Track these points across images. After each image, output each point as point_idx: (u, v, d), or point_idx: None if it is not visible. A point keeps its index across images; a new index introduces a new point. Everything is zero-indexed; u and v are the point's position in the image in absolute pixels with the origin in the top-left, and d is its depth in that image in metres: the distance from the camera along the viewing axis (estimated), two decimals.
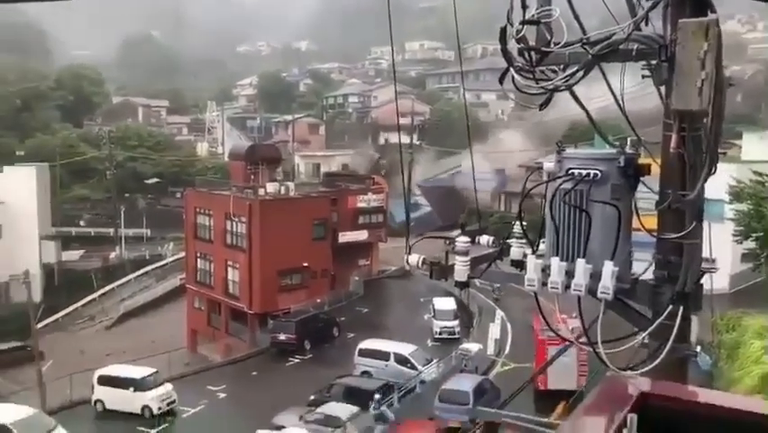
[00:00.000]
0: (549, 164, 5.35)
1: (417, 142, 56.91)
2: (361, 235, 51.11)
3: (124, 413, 30.74)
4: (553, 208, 5.12)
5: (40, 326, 42.25)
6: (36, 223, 54.57)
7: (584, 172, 5.04)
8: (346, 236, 49.98)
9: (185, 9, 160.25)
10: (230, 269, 44.92)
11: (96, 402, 31.81)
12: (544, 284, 5.15)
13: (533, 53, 5.11)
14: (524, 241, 5.67)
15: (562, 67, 5.15)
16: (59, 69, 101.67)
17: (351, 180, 58.23)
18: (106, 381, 31.87)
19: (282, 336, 38.87)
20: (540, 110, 5.46)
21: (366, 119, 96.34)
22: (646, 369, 4.71)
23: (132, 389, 31.00)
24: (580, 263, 4.95)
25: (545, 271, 5.12)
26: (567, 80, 5.03)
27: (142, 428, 29.61)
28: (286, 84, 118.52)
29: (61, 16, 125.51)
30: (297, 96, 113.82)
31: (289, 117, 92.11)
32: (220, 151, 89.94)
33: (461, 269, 5.66)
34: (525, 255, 5.51)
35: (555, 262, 5.04)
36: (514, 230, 5.67)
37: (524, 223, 5.58)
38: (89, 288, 55.14)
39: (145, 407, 30.62)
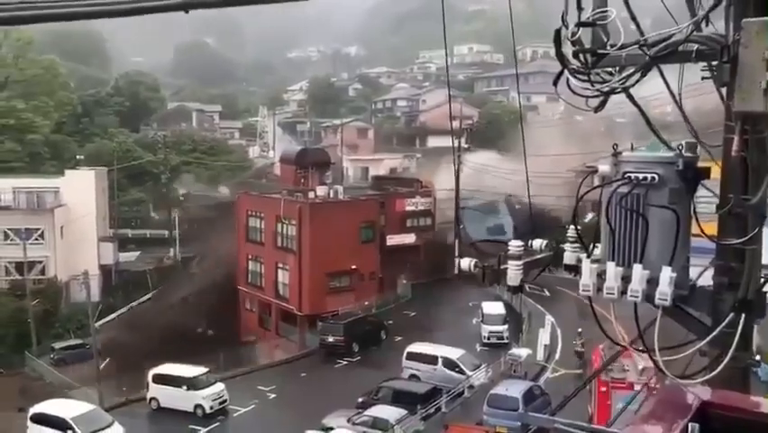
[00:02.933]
0: (604, 167, 5.28)
1: (466, 146, 56.60)
2: (409, 238, 51.14)
3: (178, 411, 31.41)
4: (609, 213, 5.04)
5: (98, 324, 43.50)
6: (95, 225, 56.25)
7: (641, 176, 4.95)
8: (394, 239, 50.08)
9: (237, 16, 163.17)
10: (280, 271, 45.50)
11: (150, 400, 32.60)
12: (599, 290, 5.08)
13: (588, 55, 5.05)
14: (578, 245, 5.59)
15: (617, 69, 5.08)
16: (116, 76, 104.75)
17: (399, 184, 58.34)
18: (161, 379, 32.64)
19: (331, 339, 39.15)
20: (595, 112, 5.38)
21: (414, 123, 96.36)
22: (706, 378, 4.59)
23: (185, 387, 31.67)
24: (637, 269, 4.86)
25: (601, 276, 5.04)
26: (623, 82, 4.96)
27: (195, 427, 30.19)
28: (335, 89, 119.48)
29: (119, 24, 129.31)
30: (346, 101, 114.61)
31: (338, 122, 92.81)
32: (271, 155, 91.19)
33: (513, 273, 5.62)
34: (579, 260, 5.44)
35: (611, 268, 4.96)
36: (568, 234, 5.61)
37: (578, 227, 5.51)
38: (145, 288, 56.55)
39: (198, 405, 31.25)
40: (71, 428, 27.40)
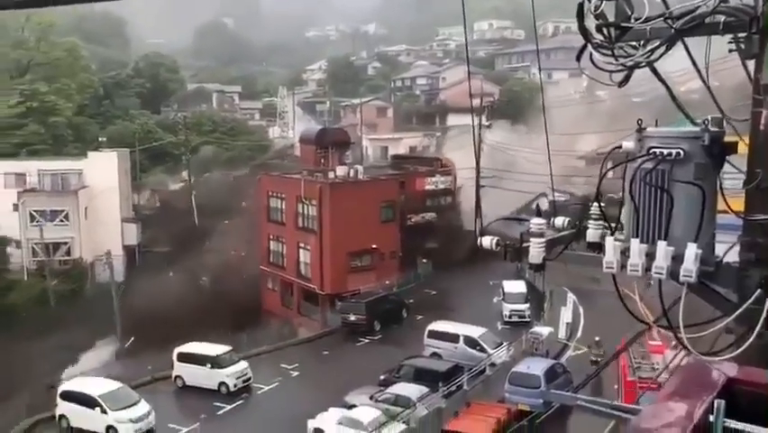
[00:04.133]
0: (628, 143, 5.22)
1: (486, 124, 56.13)
2: (430, 217, 51.10)
3: (202, 389, 31.90)
4: (633, 189, 4.99)
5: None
6: (118, 206, 56.93)
7: (666, 151, 4.89)
8: (414, 218, 50.06)
9: None
10: (301, 250, 45.76)
11: (175, 378, 33.13)
12: (623, 267, 5.05)
13: (612, 29, 4.98)
14: (601, 223, 5.55)
15: (642, 42, 4.99)
16: (136, 58, 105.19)
17: (419, 163, 58.16)
18: (185, 358, 33.12)
19: (352, 317, 39.42)
20: (619, 87, 5.31)
21: (434, 101, 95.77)
22: (732, 355, 4.56)
23: (209, 366, 32.12)
24: (662, 245, 4.82)
25: (624, 253, 5.01)
26: (648, 56, 4.88)
27: (219, 404, 30.66)
28: (354, 68, 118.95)
29: (137, 5, 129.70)
30: (365, 80, 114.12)
31: (358, 101, 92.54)
32: (291, 135, 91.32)
33: (535, 251, 5.60)
34: (602, 237, 5.40)
35: (635, 244, 4.92)
36: (591, 211, 5.56)
37: (602, 204, 5.47)
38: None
39: (222, 383, 31.69)
40: (99, 405, 27.97)
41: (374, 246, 44.38)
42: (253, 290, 49.85)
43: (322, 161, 50.18)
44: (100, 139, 68.83)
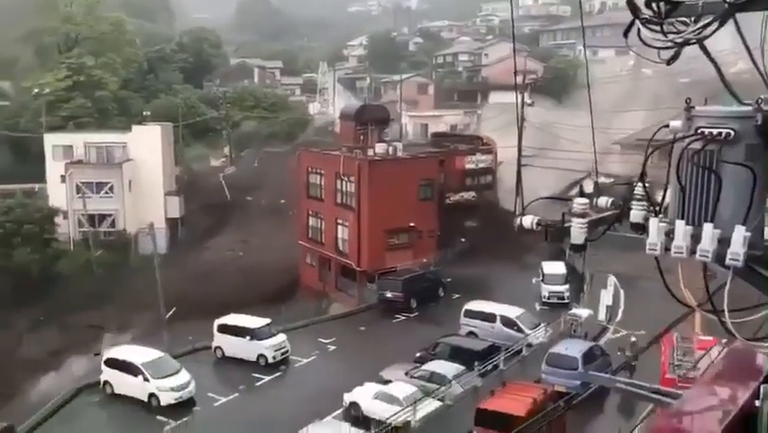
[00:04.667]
0: (676, 123, 5.08)
1: (529, 102, 55.22)
2: (469, 196, 50.79)
3: (241, 360, 32.52)
4: (680, 169, 4.87)
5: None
6: (161, 179, 57.91)
7: (716, 131, 4.75)
8: (453, 197, 49.82)
9: None
10: (340, 227, 46.01)
11: (215, 349, 33.82)
12: (667, 249, 4.94)
13: (662, 4, 4.82)
14: (645, 203, 5.44)
15: (693, 18, 4.83)
16: (180, 33, 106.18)
17: (459, 141, 57.68)
18: (225, 329, 33.77)
19: (389, 294, 39.61)
20: (668, 65, 5.16)
21: (476, 78, 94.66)
22: None
23: (248, 338, 32.70)
24: (708, 228, 4.70)
25: (669, 235, 4.90)
26: (699, 33, 4.71)
27: (257, 375, 31.23)
28: (395, 43, 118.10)
29: None
30: (406, 56, 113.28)
31: (398, 77, 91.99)
32: (330, 111, 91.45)
33: (577, 231, 5.52)
34: (646, 218, 5.29)
35: (680, 226, 4.81)
36: (635, 192, 5.44)
37: (646, 184, 5.35)
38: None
39: (260, 355, 32.26)
40: (142, 373, 28.76)
41: (412, 224, 44.35)
42: (291, 265, 50.46)
43: (361, 137, 50.14)
44: (144, 113, 69.96)
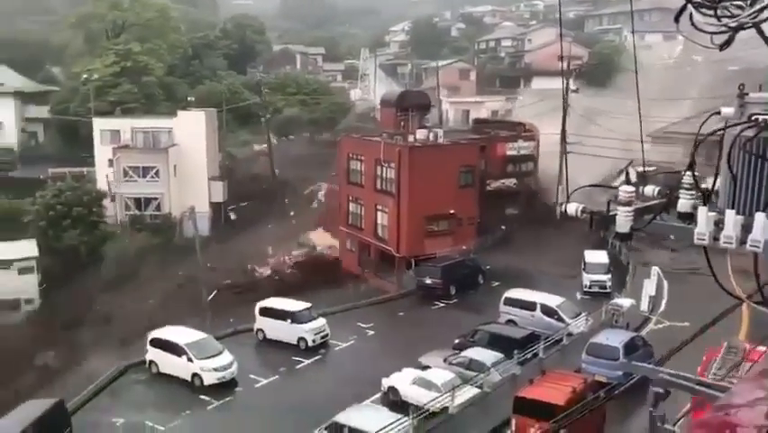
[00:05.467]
0: (728, 109, 4.96)
1: (573, 88, 54.29)
2: (510, 183, 50.37)
3: (282, 343, 33.00)
4: (731, 158, 4.76)
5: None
6: (205, 164, 58.80)
7: None
8: (494, 184, 49.44)
9: None
10: (379, 213, 46.11)
11: (257, 331, 34.39)
12: (716, 239, 4.85)
13: None
14: (694, 192, 5.33)
15: (749, 2, 4.69)
16: (224, 19, 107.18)
17: (501, 127, 57.11)
18: (267, 312, 34.29)
19: (428, 280, 39.62)
20: (720, 50, 5.03)
21: (519, 64, 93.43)
22: None
23: (289, 321, 33.14)
24: (760, 217, 4.59)
25: (718, 225, 4.80)
26: (755, 16, 4.58)
27: (297, 358, 31.66)
28: (438, 29, 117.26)
29: None
30: (448, 41, 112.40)
31: (439, 63, 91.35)
32: (371, 97, 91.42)
33: (623, 219, 5.44)
34: (695, 208, 5.19)
35: (731, 216, 4.71)
36: (683, 180, 5.34)
37: (696, 173, 5.24)
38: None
39: (301, 338, 32.69)
40: (186, 354, 29.43)
41: (452, 211, 44.19)
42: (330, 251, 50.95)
43: (402, 123, 50.06)
44: (189, 98, 70.98)
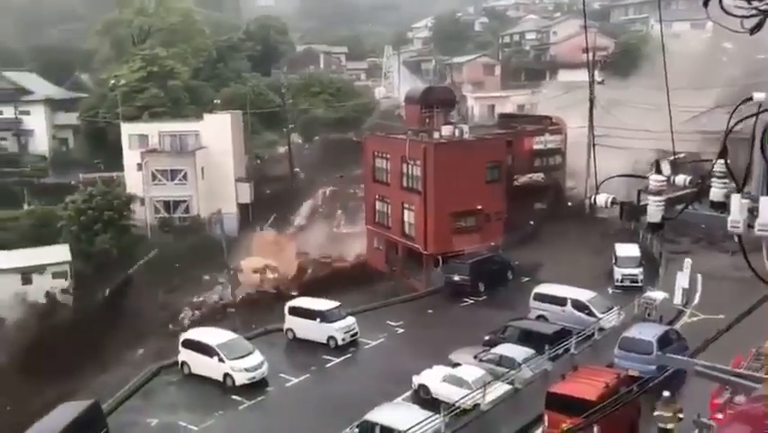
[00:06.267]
0: (761, 95, 4.82)
1: (599, 80, 53.62)
2: (538, 178, 49.97)
3: (312, 342, 33.12)
4: (765, 144, 4.63)
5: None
6: (232, 166, 59.33)
7: None
8: (521, 179, 49.08)
9: None
10: (406, 211, 46.04)
11: (287, 331, 34.55)
12: (750, 227, 4.72)
13: None
14: (726, 180, 5.20)
15: None
16: (247, 21, 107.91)
17: (527, 121, 56.67)
18: (297, 312, 34.41)
19: (456, 277, 39.45)
20: (751, 34, 4.89)
21: (544, 56, 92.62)
22: None
23: (318, 320, 33.25)
24: None
25: (753, 213, 4.68)
26: None
27: (328, 357, 31.75)
28: (461, 24, 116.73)
29: None
30: (472, 36, 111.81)
31: (464, 59, 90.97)
32: (396, 95, 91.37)
33: (654, 209, 5.32)
34: (727, 196, 5.06)
35: (765, 202, 4.58)
36: (715, 169, 5.22)
37: (728, 161, 5.11)
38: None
39: (330, 337, 32.74)
40: (217, 354, 29.67)
41: (479, 207, 43.95)
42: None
43: (427, 120, 49.94)
44: (215, 101, 71.65)
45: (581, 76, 54.51)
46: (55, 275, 47.92)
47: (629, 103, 49.23)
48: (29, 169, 69.11)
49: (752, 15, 4.67)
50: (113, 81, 69.47)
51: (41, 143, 75.91)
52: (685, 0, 74.12)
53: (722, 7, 4.61)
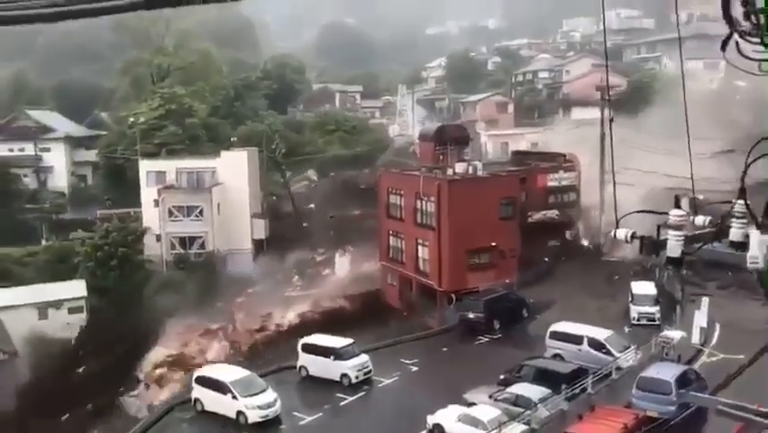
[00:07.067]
0: None
1: (610, 118, 53.73)
2: (552, 215, 49.89)
3: (325, 380, 32.89)
4: None
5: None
6: (248, 202, 59.83)
7: None
8: (536, 216, 49.02)
9: None
10: (420, 247, 46.06)
11: (300, 368, 34.35)
12: None
13: (761, 16, 4.68)
14: (745, 221, 5.23)
15: None
16: (265, 60, 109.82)
17: (541, 158, 56.82)
18: (310, 349, 34.26)
19: (471, 315, 39.16)
20: None
21: (557, 95, 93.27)
22: None
23: (332, 357, 33.05)
24: None
25: None
26: None
27: (341, 395, 31.48)
28: (474, 63, 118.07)
29: (266, 9, 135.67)
30: (485, 75, 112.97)
31: (477, 97, 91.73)
32: (410, 133, 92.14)
33: (674, 244, 5.34)
34: (746, 236, 5.09)
35: None
36: (734, 209, 5.25)
37: (747, 201, 5.15)
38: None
39: (344, 375, 32.49)
40: (230, 391, 29.54)
41: (493, 244, 43.88)
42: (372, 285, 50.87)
43: (441, 157, 50.23)
44: (232, 139, 72.55)
45: (594, 114, 54.79)
46: (71, 310, 48.16)
47: (640, 141, 49.20)
48: (48, 205, 70.01)
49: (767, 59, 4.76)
50: (131, 119, 70.65)
51: (60, 180, 77.04)
52: (698, 40, 74.56)
53: (739, 51, 4.72)
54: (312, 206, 69.48)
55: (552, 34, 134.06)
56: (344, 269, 55.14)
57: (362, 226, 57.06)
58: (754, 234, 4.85)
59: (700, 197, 6.11)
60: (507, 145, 75.47)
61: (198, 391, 30.83)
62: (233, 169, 59.14)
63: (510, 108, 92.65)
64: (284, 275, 55.41)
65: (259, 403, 29.06)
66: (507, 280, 43.31)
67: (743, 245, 5.14)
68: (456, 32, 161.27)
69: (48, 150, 77.46)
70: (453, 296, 41.92)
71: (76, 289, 49.15)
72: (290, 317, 45.32)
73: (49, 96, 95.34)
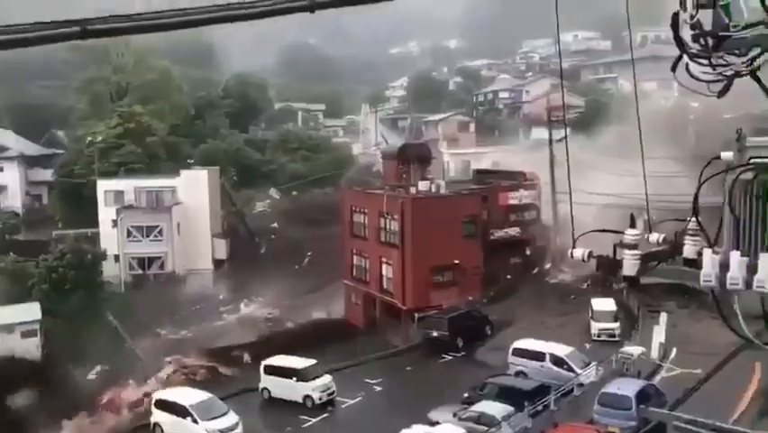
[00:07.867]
0: (728, 154, 5.03)
1: (557, 138, 54.85)
2: (513, 233, 50.43)
3: (288, 401, 32.45)
4: (733, 200, 4.80)
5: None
6: (208, 221, 59.09)
7: None
8: (497, 233, 49.49)
9: (340, 17, 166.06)
10: (384, 265, 46.03)
11: (262, 390, 33.85)
12: (723, 284, 4.85)
13: (709, 38, 4.82)
14: (698, 238, 5.36)
15: (743, 50, 4.81)
16: (226, 78, 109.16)
17: (502, 177, 57.47)
18: (272, 370, 33.79)
19: (435, 333, 39.18)
20: (718, 98, 5.13)
21: (517, 114, 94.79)
22: None
23: (294, 379, 32.66)
24: (765, 258, 4.60)
25: (724, 267, 4.81)
26: (749, 65, 4.69)
27: (304, 417, 31.09)
28: (436, 83, 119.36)
29: (228, 27, 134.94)
30: (446, 95, 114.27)
31: (439, 116, 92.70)
32: (373, 151, 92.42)
33: (630, 263, 5.45)
34: (699, 254, 5.21)
35: (735, 257, 4.73)
36: (688, 227, 5.38)
37: (699, 219, 5.28)
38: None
39: (307, 396, 32.13)
40: (191, 415, 28.94)
41: (456, 262, 44.10)
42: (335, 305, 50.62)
43: (404, 176, 50.45)
44: (189, 160, 71.76)
45: (554, 134, 55.71)
46: (24, 334, 46.59)
47: (598, 161, 50.11)
48: (1, 225, 68.16)
49: (718, 80, 4.90)
50: (89, 138, 69.40)
51: (14, 200, 75.18)
52: (652, 61, 76.67)
53: (689, 72, 4.84)
54: (275, 225, 68.95)
55: (511, 55, 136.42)
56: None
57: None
58: (707, 251, 4.96)
59: (654, 217, 6.24)
60: (470, 164, 76.20)
61: (158, 416, 30.14)
62: (194, 188, 58.42)
63: (472, 127, 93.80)
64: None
65: (220, 427, 28.52)
66: (470, 298, 43.52)
67: (696, 263, 5.25)
68: (418, 53, 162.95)
69: (1, 169, 75.57)
70: (417, 314, 41.93)
71: (29, 312, 47.64)
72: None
73: (3, 113, 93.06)
